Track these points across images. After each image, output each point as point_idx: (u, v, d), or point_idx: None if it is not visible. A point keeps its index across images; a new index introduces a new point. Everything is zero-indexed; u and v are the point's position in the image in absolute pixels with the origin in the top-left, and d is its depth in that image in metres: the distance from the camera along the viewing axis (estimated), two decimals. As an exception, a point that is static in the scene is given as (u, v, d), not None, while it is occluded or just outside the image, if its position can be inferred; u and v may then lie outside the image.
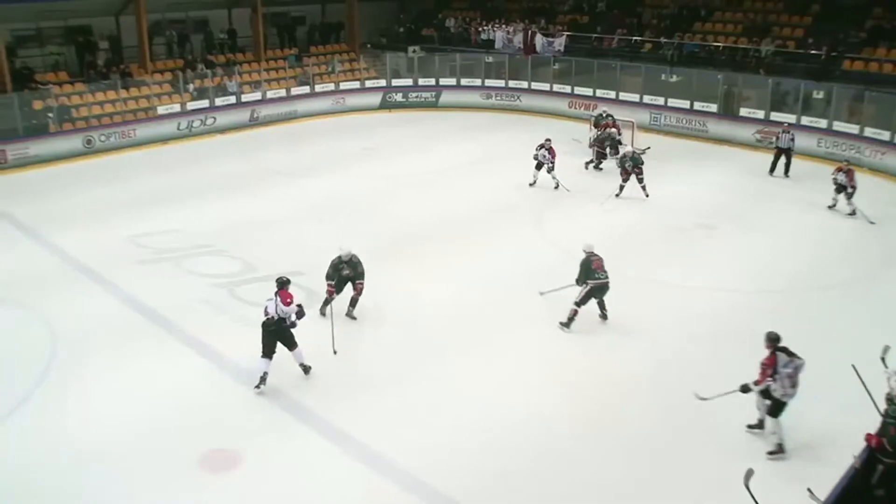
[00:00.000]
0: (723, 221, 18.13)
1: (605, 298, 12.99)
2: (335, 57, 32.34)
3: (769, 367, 9.43)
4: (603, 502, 9.05)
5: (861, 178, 21.35)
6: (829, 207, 18.97)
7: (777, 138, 22.02)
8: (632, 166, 19.45)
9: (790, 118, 24.42)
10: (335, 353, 11.98)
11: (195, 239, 16.81)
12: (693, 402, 10.20)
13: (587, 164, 22.46)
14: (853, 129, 23.21)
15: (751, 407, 10.06)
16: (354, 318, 13.21)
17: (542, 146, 20.24)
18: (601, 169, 22.20)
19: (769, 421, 9.79)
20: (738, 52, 27.63)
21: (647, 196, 19.56)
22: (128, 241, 16.69)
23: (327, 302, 13.09)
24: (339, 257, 12.98)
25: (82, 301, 14.00)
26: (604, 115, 23.92)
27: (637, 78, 28.24)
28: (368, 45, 35.53)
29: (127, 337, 12.65)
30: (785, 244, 16.85)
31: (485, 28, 33.45)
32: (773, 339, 9.51)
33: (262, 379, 11.15)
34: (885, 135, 22.39)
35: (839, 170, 18.73)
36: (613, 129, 22.94)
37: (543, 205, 19.28)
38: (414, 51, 32.94)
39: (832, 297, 14.29)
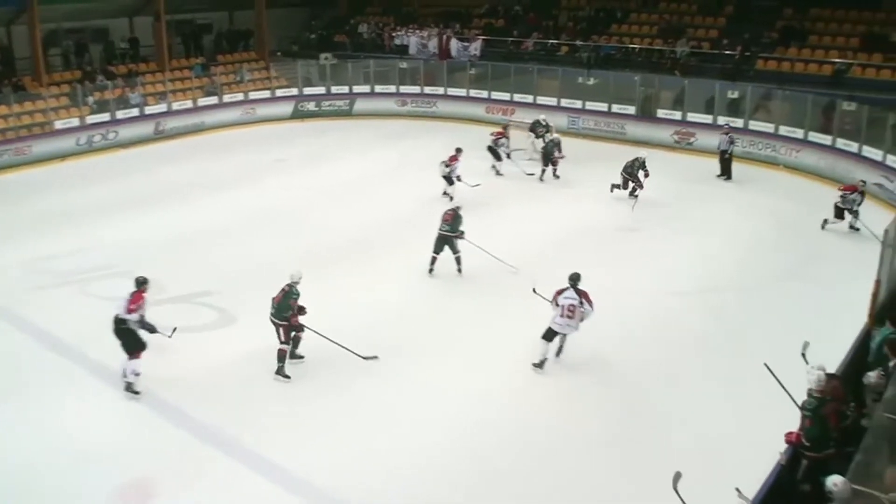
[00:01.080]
0: (645, 224, 18.53)
1: (460, 256, 15.41)
2: (244, 66, 31.95)
3: (557, 296, 11.69)
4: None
5: (777, 176, 22.24)
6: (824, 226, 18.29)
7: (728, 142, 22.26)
8: (639, 171, 19.96)
9: (707, 119, 25.22)
10: (373, 357, 12.07)
11: (100, 260, 16.34)
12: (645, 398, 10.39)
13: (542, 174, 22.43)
14: (769, 127, 24.05)
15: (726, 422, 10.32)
16: (302, 358, 12.24)
17: (453, 159, 20.20)
18: (558, 177, 22.34)
19: (541, 342, 11.81)
20: (654, 54, 28.36)
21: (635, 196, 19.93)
22: (26, 266, 16.10)
23: (298, 342, 12.17)
24: (291, 284, 11.78)
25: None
26: (542, 122, 24.19)
27: (554, 81, 28.69)
28: (279, 53, 35.22)
29: (29, 370, 12.21)
30: (710, 245, 17.31)
31: (398, 33, 33.62)
32: (570, 278, 11.74)
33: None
34: (799, 133, 23.27)
35: (854, 190, 17.93)
36: (503, 139, 23.05)
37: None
38: (326, 58, 32.79)
39: (758, 297, 14.72)
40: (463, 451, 10.10)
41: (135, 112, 27.37)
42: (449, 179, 20.29)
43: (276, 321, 11.71)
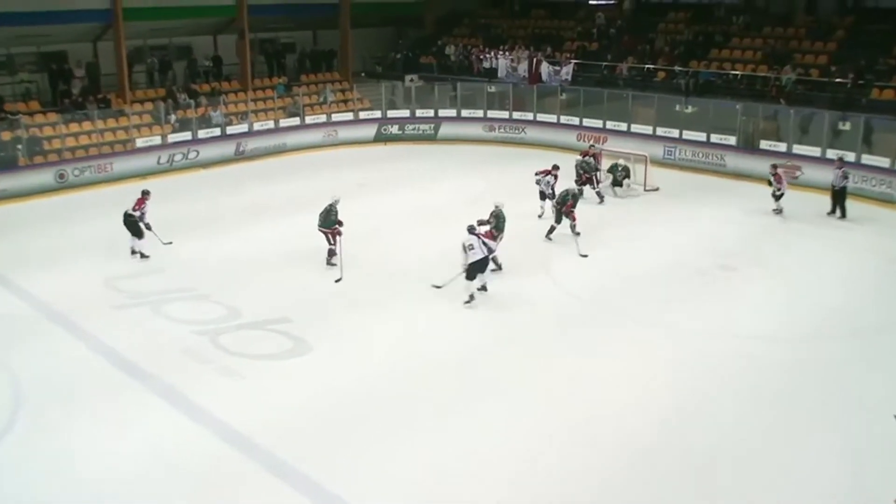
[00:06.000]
0: (744, 263, 18.06)
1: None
2: (327, 86, 32.51)
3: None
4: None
5: (892, 215, 21.39)
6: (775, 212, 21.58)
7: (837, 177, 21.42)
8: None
9: (815, 151, 24.46)
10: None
11: (175, 282, 16.74)
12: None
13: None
14: (884, 162, 23.19)
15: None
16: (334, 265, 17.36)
17: (547, 172, 20.86)
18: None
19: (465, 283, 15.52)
20: (758, 81, 27.75)
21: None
22: (103, 284, 16.57)
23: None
24: (332, 205, 17.51)
25: (51, 349, 13.84)
26: (619, 166, 24.34)
27: (650, 109, 28.35)
28: (363, 74, 35.78)
29: (100, 390, 12.49)
30: (809, 286, 16.81)
31: (487, 56, 33.67)
32: (468, 228, 15.70)
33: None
34: (918, 168, 22.40)
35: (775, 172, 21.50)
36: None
37: (553, 241, 19.39)
38: (411, 80, 33.07)
39: (860, 345, 14.17)
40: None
41: (216, 132, 28.08)
42: (543, 195, 20.84)
43: (324, 229, 17.44)
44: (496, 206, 17.54)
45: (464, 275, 15.59)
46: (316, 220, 17.59)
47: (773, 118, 26.76)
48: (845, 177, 21.32)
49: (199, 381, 12.68)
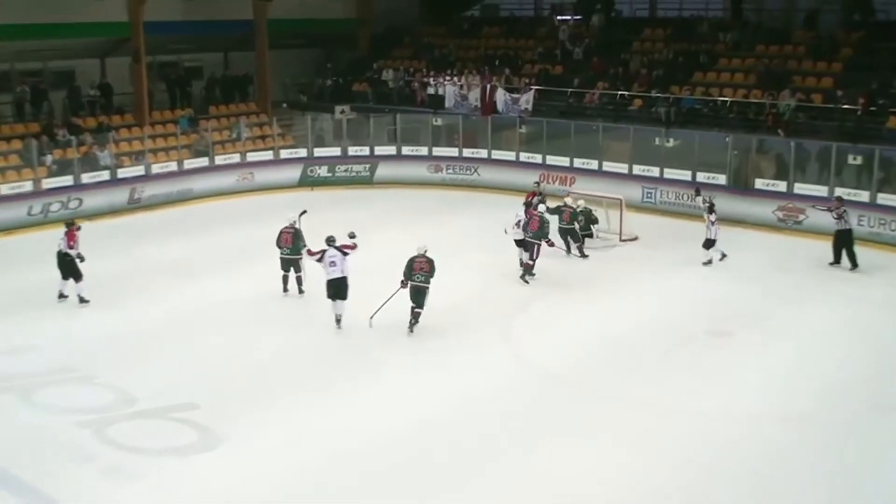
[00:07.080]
0: (738, 327, 18.14)
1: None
2: (241, 119, 32.38)
3: (317, 254, 17.59)
4: None
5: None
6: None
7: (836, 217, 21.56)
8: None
9: (821, 191, 24.77)
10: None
11: (51, 361, 16.27)
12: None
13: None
14: (902, 202, 23.58)
15: None
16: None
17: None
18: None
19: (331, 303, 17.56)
20: (751, 109, 28.15)
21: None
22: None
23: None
24: (294, 225, 19.57)
25: None
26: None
27: (625, 143, 28.67)
28: (284, 105, 35.78)
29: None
30: (812, 354, 16.90)
31: (432, 82, 33.87)
32: (327, 240, 17.56)
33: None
34: (943, 209, 22.85)
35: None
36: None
37: (512, 302, 19.38)
38: (342, 111, 33.14)
39: (867, 424, 14.16)
40: None
41: (105, 175, 27.74)
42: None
43: (295, 256, 19.35)
44: (418, 250, 17.86)
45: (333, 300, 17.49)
46: (281, 252, 19.55)
47: (769, 152, 27.18)
48: (840, 217, 21.43)
49: (81, 485, 12.24)
